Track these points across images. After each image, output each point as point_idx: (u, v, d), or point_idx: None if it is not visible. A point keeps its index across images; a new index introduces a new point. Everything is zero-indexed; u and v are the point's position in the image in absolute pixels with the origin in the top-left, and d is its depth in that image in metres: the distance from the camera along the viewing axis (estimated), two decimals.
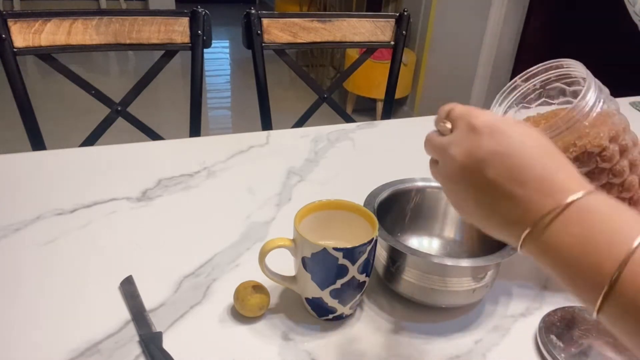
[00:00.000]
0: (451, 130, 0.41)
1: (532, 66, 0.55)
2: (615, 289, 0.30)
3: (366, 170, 0.87)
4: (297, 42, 1.21)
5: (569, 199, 0.33)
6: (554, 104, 0.56)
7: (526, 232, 0.35)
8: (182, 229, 0.68)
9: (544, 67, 0.55)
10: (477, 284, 0.54)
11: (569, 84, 0.55)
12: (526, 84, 0.56)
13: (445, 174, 0.40)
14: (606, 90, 0.52)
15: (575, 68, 0.53)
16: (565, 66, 0.54)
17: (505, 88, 0.50)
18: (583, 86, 0.50)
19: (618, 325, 0.31)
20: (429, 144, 0.43)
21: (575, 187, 0.34)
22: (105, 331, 0.52)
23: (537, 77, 0.56)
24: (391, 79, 1.32)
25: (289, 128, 1.05)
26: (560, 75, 0.55)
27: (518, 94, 0.56)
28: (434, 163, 0.43)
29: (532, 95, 0.56)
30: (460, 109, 0.41)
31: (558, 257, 0.33)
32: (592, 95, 0.49)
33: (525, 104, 0.57)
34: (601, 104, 0.50)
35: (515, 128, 0.38)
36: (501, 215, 0.36)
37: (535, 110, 0.57)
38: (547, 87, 0.56)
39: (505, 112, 0.52)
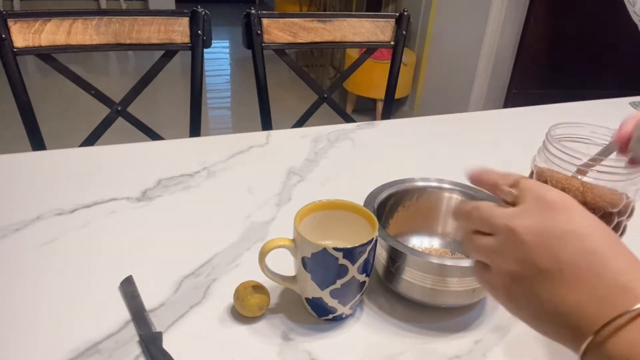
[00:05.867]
0: (513, 204, 0.37)
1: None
2: None
3: (366, 170, 0.87)
4: (297, 42, 1.21)
5: None
6: None
7: (593, 336, 0.31)
8: (182, 229, 0.68)
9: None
10: (477, 284, 0.53)
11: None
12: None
13: (506, 253, 0.35)
14: None
15: None
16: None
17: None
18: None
19: None
20: (479, 214, 0.37)
21: None
22: (105, 331, 0.52)
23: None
24: (391, 79, 1.32)
25: (289, 128, 1.05)
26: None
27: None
28: (476, 237, 0.37)
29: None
30: (529, 181, 0.37)
31: None
32: None
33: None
34: None
35: (586, 211, 0.34)
36: (567, 306, 0.32)
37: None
38: None
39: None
